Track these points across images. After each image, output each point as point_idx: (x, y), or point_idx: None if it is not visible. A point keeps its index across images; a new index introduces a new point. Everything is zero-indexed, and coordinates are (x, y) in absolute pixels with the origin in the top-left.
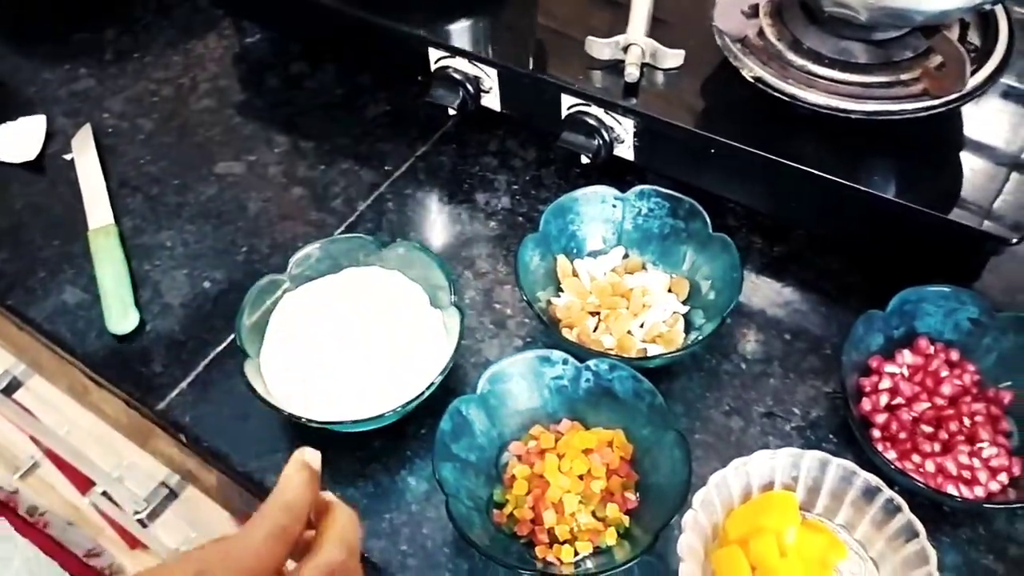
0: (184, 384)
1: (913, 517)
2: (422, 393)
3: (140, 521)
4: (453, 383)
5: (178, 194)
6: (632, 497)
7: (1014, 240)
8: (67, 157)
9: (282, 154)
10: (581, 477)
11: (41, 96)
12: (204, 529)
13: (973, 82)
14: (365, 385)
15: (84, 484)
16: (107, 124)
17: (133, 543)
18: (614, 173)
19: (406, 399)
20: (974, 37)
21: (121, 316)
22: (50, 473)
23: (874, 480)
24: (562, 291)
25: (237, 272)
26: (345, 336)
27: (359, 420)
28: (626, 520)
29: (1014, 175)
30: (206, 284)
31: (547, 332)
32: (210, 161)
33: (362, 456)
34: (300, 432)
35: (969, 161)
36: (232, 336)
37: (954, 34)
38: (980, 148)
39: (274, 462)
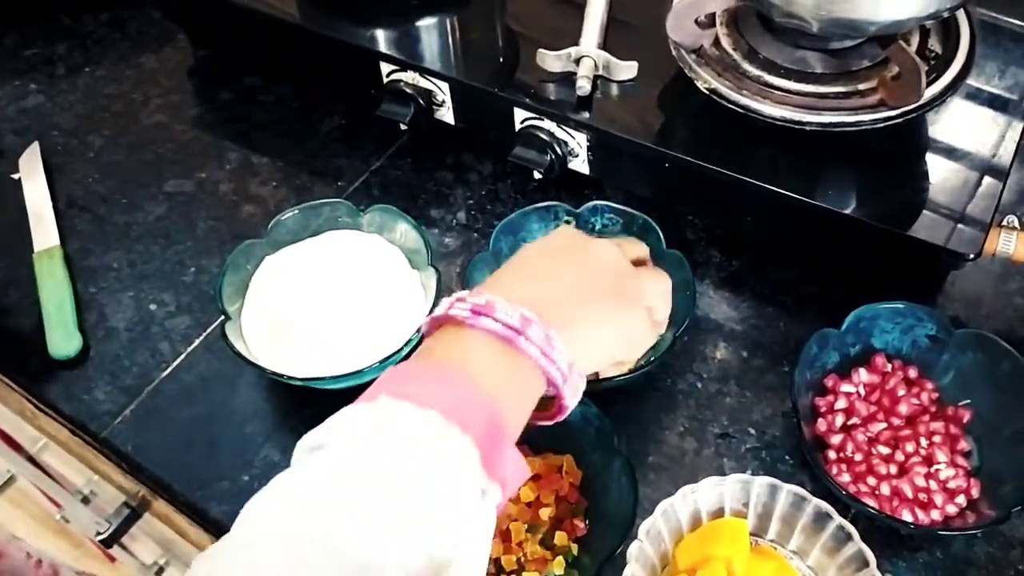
0: (127, 411)
1: (864, 546)
2: (400, 349)
3: (103, 542)
4: None
5: (126, 213)
6: (581, 524)
7: (971, 256)
8: (15, 177)
9: (234, 171)
10: (529, 504)
11: None
12: (173, 548)
13: (931, 91)
14: (345, 345)
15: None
16: (56, 142)
17: (111, 556)
18: (571, 186)
19: (384, 355)
20: (935, 43)
21: (64, 341)
22: (26, 486)
23: (824, 507)
24: None
25: (185, 295)
26: (325, 297)
27: (339, 376)
28: (575, 548)
29: (975, 186)
30: (152, 307)
31: None
32: (160, 179)
33: None
34: (280, 397)
35: (930, 171)
36: (178, 361)
37: (914, 42)
38: (941, 158)
39: (218, 491)
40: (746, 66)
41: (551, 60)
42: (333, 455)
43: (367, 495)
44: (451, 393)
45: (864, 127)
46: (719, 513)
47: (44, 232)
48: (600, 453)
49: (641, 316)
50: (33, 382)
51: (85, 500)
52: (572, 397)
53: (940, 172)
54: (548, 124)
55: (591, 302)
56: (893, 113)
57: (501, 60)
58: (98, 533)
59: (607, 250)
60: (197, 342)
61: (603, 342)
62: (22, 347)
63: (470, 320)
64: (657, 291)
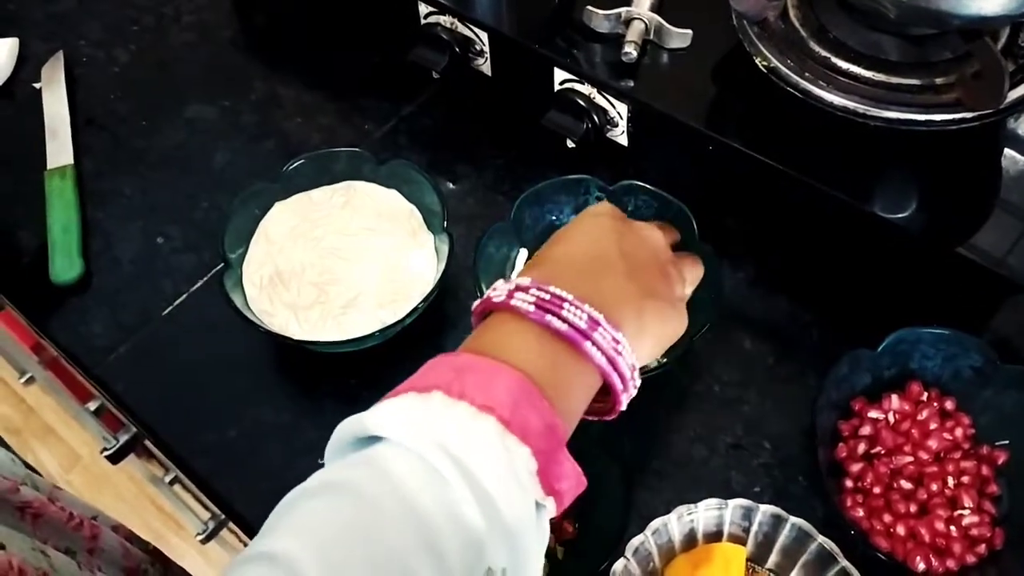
0: (122, 348)
1: None
2: (403, 319)
3: (108, 458)
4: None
5: (144, 137)
6: (570, 527)
7: None
8: (36, 86)
9: (258, 102)
10: None
11: (19, 15)
12: None
13: (1014, 95)
14: (348, 305)
15: (84, 394)
16: (82, 52)
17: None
18: (609, 157)
19: (389, 321)
20: None
21: (65, 266)
22: (50, 381)
23: (829, 546)
24: None
25: (193, 231)
26: (332, 252)
27: (336, 342)
28: (560, 551)
29: None
30: (159, 240)
31: None
32: (182, 102)
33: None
34: (277, 352)
35: (1000, 186)
36: (179, 301)
37: (1003, 36)
38: (1014, 171)
39: (203, 444)
40: (813, 45)
41: (599, 19)
42: (381, 458)
43: (416, 509)
44: (511, 398)
45: (934, 127)
46: (717, 536)
47: (59, 148)
48: (601, 454)
49: (682, 310)
50: (32, 306)
51: (97, 412)
52: (627, 400)
53: (1010, 187)
54: (588, 89)
55: (648, 297)
56: (968, 115)
57: (549, 13)
58: (104, 449)
59: (654, 236)
60: (200, 283)
61: (655, 339)
62: (24, 267)
63: (533, 315)
64: (692, 280)
